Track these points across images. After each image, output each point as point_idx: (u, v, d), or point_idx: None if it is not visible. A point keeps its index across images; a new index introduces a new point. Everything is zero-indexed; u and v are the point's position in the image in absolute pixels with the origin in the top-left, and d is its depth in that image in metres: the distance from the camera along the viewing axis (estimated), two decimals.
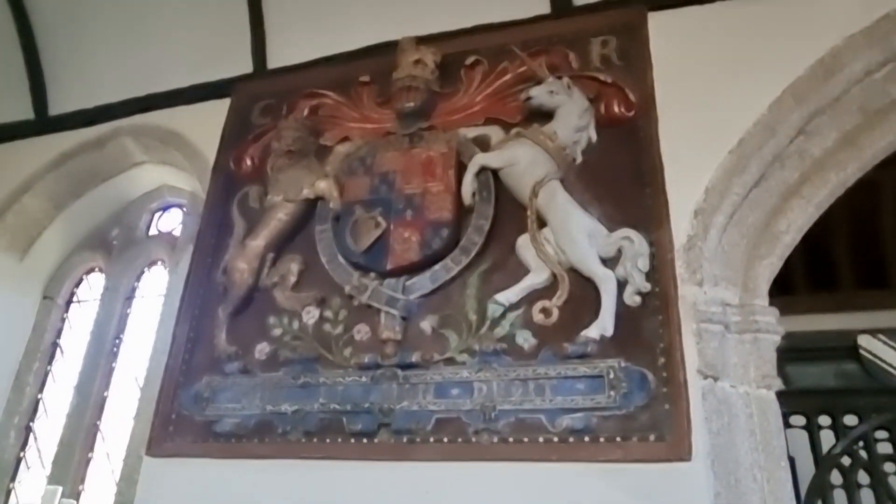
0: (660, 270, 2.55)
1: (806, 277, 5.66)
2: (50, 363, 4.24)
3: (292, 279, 3.06)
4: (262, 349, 2.98)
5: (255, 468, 2.76)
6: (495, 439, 2.47)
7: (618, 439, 2.33)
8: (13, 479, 3.96)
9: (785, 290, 4.83)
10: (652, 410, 2.34)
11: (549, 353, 2.55)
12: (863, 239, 5.67)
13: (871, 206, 5.49)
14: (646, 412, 2.34)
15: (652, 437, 2.30)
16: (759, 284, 2.73)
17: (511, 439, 2.45)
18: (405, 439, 2.59)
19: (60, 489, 3.40)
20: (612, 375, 2.42)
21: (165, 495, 2.87)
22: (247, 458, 2.80)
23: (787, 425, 2.84)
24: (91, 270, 4.46)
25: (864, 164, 2.82)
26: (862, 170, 2.82)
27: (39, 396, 4.15)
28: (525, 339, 2.61)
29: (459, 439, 2.52)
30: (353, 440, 2.66)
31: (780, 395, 2.54)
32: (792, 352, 2.68)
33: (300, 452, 2.72)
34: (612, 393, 2.40)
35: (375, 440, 2.63)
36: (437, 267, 2.83)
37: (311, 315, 2.97)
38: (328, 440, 2.69)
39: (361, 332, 2.85)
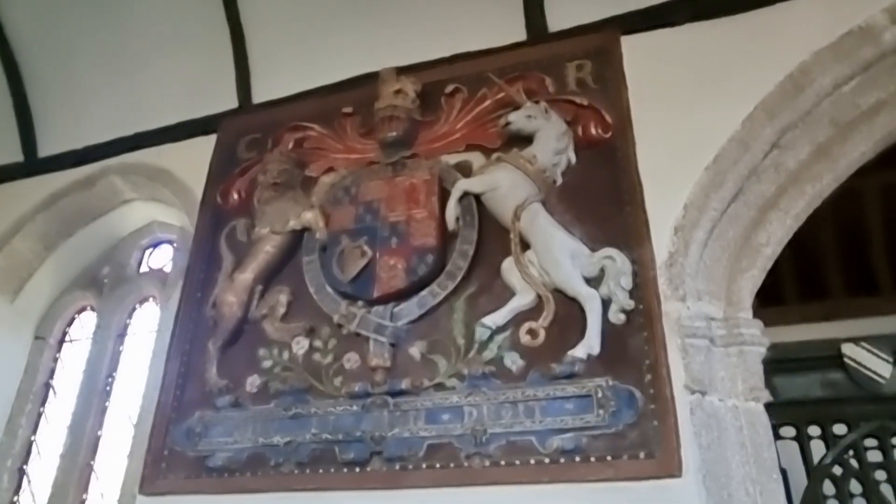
0: (643, 288, 2.58)
1: (796, 287, 5.70)
2: (43, 404, 4.21)
3: (281, 310, 3.08)
4: (252, 382, 2.99)
5: (249, 502, 2.76)
6: (487, 463, 2.47)
7: (608, 458, 2.34)
8: None
9: (775, 301, 4.90)
10: (641, 428, 2.35)
11: (537, 374, 2.56)
12: (850, 247, 5.73)
13: (856, 214, 5.56)
14: (635, 430, 2.35)
15: (642, 455, 2.31)
16: (743, 297, 2.75)
17: (503, 462, 2.46)
18: (397, 466, 2.59)
19: None
20: (600, 394, 2.44)
21: None
22: (240, 493, 2.79)
23: (777, 437, 2.85)
24: (83, 309, 4.46)
25: (839, 175, 2.87)
26: (837, 180, 2.87)
27: (32, 438, 4.12)
28: (513, 361, 2.62)
29: (451, 464, 2.52)
30: (345, 469, 2.66)
31: (768, 406, 2.55)
32: (778, 363, 2.70)
33: (293, 484, 2.71)
34: (600, 412, 2.41)
35: (368, 469, 2.63)
36: (423, 293, 2.86)
37: (300, 345, 2.98)
38: (321, 470, 2.69)
39: (351, 360, 2.87)
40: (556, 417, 2.46)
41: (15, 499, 3.96)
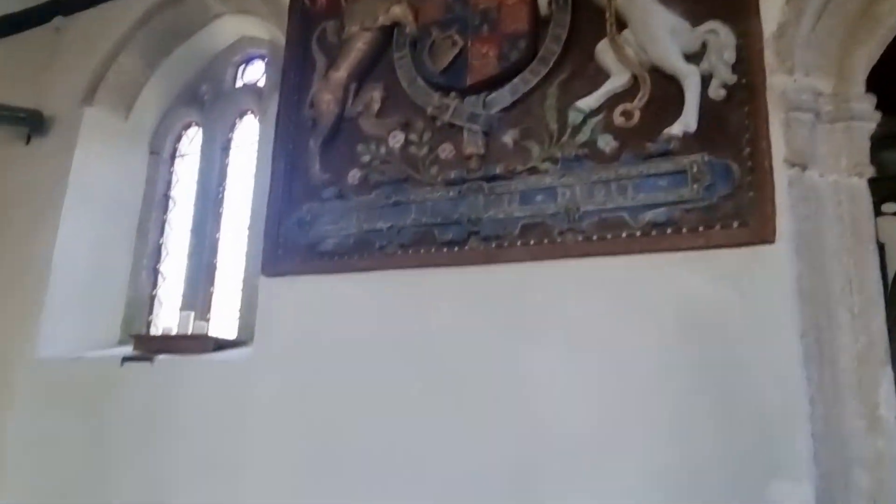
0: (747, 62, 2.47)
1: None
2: (165, 212, 4.64)
3: (376, 106, 3.17)
4: (353, 175, 3.17)
5: (358, 280, 3.05)
6: (580, 238, 2.59)
7: (700, 229, 2.40)
8: (150, 313, 4.51)
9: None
10: (736, 199, 2.36)
11: (630, 154, 2.58)
12: None
13: None
14: (729, 201, 2.37)
15: (735, 224, 2.35)
16: (856, 73, 2.57)
17: (595, 237, 2.57)
18: (493, 245, 2.76)
19: (192, 313, 3.86)
20: (695, 169, 2.44)
21: (281, 307, 3.24)
22: (349, 272, 3.08)
23: (878, 213, 2.78)
24: (188, 125, 4.72)
25: None
26: None
27: (161, 241, 4.60)
28: (607, 143, 2.64)
29: (545, 241, 2.66)
30: (444, 249, 2.86)
31: (872, 181, 2.48)
32: (888, 139, 2.58)
33: (397, 263, 2.96)
34: (695, 186, 2.43)
35: (466, 247, 2.81)
36: (515, 80, 2.85)
37: (396, 139, 3.09)
38: (422, 251, 2.91)
39: (446, 150, 2.96)
40: (649, 194, 2.51)
41: (154, 292, 4.51)
